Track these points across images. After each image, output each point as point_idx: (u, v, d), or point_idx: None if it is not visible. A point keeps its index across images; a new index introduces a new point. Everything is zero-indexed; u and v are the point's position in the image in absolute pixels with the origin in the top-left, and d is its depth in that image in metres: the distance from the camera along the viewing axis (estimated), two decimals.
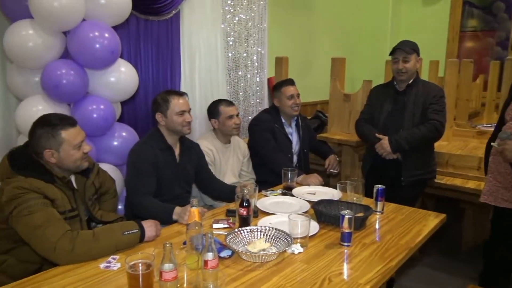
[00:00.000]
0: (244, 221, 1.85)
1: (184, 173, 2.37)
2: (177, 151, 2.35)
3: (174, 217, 2.03)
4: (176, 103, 2.26)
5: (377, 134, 2.67)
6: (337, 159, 3.23)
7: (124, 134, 2.60)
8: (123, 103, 2.73)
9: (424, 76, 4.19)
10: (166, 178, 2.25)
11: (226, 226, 1.93)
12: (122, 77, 2.47)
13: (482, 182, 2.76)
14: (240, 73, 3.72)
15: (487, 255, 2.31)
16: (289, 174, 2.41)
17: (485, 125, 4.03)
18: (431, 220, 2.04)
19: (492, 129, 3.53)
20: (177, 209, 2.03)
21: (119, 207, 2.51)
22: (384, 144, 2.61)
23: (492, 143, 2.01)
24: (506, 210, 2.05)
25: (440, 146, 3.05)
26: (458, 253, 3.42)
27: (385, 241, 1.80)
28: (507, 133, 1.91)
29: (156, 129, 2.32)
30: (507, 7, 5.78)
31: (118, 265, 1.57)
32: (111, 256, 1.63)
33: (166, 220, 2.02)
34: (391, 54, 2.68)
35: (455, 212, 3.55)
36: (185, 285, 1.38)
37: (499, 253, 2.23)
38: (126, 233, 1.68)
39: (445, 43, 5.50)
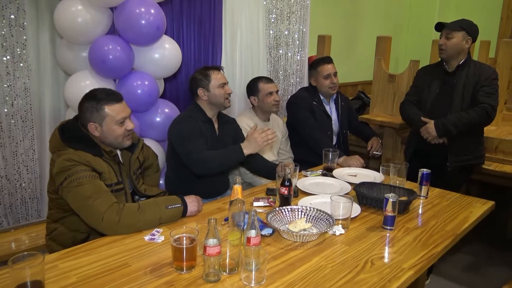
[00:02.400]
0: (285, 201, 1.85)
1: (223, 145, 2.39)
2: (216, 124, 2.41)
3: (246, 151, 2.12)
4: (216, 77, 2.32)
5: (423, 118, 2.57)
6: (380, 141, 3.15)
7: (166, 110, 2.64)
8: (165, 80, 2.75)
9: (474, 56, 4.00)
10: (208, 149, 2.28)
11: (266, 204, 1.94)
12: (166, 53, 2.49)
13: None
14: (280, 51, 3.67)
15: None
16: (330, 155, 2.38)
17: None
18: (479, 207, 1.97)
19: None
20: (244, 143, 2.14)
21: (160, 182, 2.57)
22: (429, 128, 2.52)
23: None
24: None
25: (489, 131, 2.91)
26: (502, 242, 3.30)
27: (429, 227, 1.75)
28: None
29: (195, 104, 2.36)
30: None
31: (162, 238, 1.61)
32: (155, 229, 1.67)
33: (238, 159, 2.16)
34: (436, 28, 2.59)
35: (501, 199, 3.41)
36: (227, 260, 1.40)
37: None
38: (169, 207, 1.72)
39: (498, 21, 5.19)
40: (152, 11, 2.31)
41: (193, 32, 2.97)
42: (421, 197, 2.05)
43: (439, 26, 2.57)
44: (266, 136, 2.09)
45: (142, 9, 2.27)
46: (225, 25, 3.13)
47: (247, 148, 2.12)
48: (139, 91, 2.39)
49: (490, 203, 2.02)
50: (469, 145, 2.59)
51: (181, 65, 2.68)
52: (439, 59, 2.67)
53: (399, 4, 5.36)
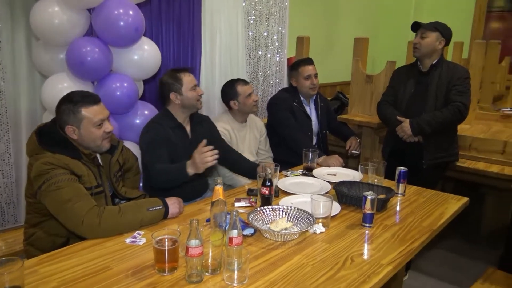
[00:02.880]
0: (266, 200, 1.87)
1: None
2: (188, 128, 2.38)
3: (189, 170, 2.03)
4: (187, 79, 2.28)
5: (398, 117, 2.63)
6: (358, 140, 3.21)
7: (146, 112, 2.63)
8: (145, 82, 2.74)
9: (448, 57, 4.11)
10: (180, 155, 2.26)
11: (247, 204, 1.95)
12: (145, 55, 2.48)
13: (505, 167, 2.73)
14: (260, 52, 3.69)
15: (509, 239, 2.29)
16: (310, 155, 2.41)
17: (509, 109, 3.94)
18: (453, 203, 2.03)
19: None
20: (189, 162, 2.04)
21: (140, 184, 2.55)
22: (404, 127, 2.58)
23: None
24: None
25: (462, 129, 3.00)
26: (476, 238, 3.40)
27: (407, 223, 1.80)
28: None
29: (165, 109, 2.33)
30: None
31: (143, 240, 1.61)
32: (136, 232, 1.67)
33: (182, 178, 2.07)
34: (412, 27, 2.66)
35: (474, 196, 3.52)
36: (209, 261, 1.40)
37: None
38: (150, 209, 1.72)
39: (470, 23, 5.35)
40: (131, 12, 2.29)
41: (172, 34, 2.96)
42: (399, 195, 2.10)
43: (415, 26, 2.64)
44: (205, 158, 1.98)
45: (121, 11, 2.26)
46: (204, 26, 3.13)
47: (190, 167, 2.03)
48: (118, 93, 2.37)
49: (465, 199, 2.08)
50: (443, 143, 2.66)
51: (161, 66, 2.67)
52: (414, 60, 2.74)
53: (376, 6, 5.46)
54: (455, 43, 4.36)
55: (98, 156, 1.90)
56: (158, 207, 1.74)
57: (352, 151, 3.13)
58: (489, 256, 3.02)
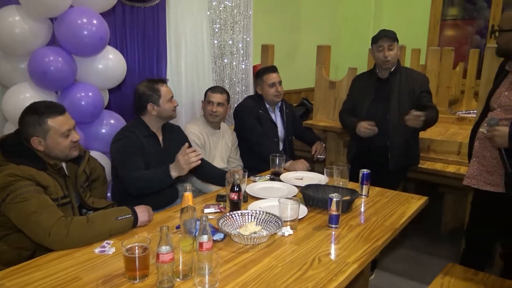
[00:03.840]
0: (235, 206, 1.90)
1: (170, 157, 2.38)
2: (160, 137, 2.40)
3: (173, 173, 2.06)
4: (165, 91, 2.33)
5: (368, 125, 2.68)
6: (323, 145, 3.30)
7: (112, 121, 2.61)
8: (110, 91, 2.72)
9: (406, 63, 4.29)
10: (153, 164, 2.28)
11: (217, 210, 1.98)
12: (110, 64, 2.47)
13: (461, 166, 2.88)
14: (225, 60, 3.73)
15: (468, 236, 2.42)
16: (277, 160, 2.46)
17: (464, 112, 4.15)
18: (414, 203, 2.13)
19: (471, 115, 3.67)
20: (172, 165, 2.07)
21: (108, 194, 2.52)
22: (421, 117, 2.50)
23: (481, 129, 2.08)
24: (487, 193, 2.14)
25: (421, 132, 3.14)
26: (437, 235, 3.56)
27: (371, 223, 1.88)
28: (496, 120, 1.98)
29: (138, 118, 2.34)
30: None
31: (113, 249, 1.61)
32: (105, 241, 1.66)
33: (166, 182, 2.10)
34: (374, 42, 2.71)
35: (434, 196, 3.68)
36: (180, 266, 1.42)
37: (479, 234, 2.33)
38: (119, 218, 1.71)
39: (426, 31, 5.60)
40: (95, 21, 2.29)
41: (137, 42, 2.96)
42: (363, 196, 2.18)
43: (382, 37, 2.67)
44: (189, 158, 2.01)
45: (84, 20, 2.25)
46: (169, 35, 3.15)
47: (174, 170, 2.06)
48: (83, 103, 2.35)
49: (424, 199, 2.19)
50: (407, 147, 2.77)
51: (126, 75, 2.66)
52: (372, 67, 2.85)
53: (337, 15, 5.63)
54: (413, 50, 4.56)
55: (64, 166, 1.88)
56: (127, 216, 1.74)
57: (318, 156, 3.21)
58: (449, 252, 3.17)
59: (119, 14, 2.81)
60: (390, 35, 2.66)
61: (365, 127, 2.67)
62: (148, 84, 2.34)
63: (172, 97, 2.37)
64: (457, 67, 5.22)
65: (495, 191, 2.09)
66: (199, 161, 2.05)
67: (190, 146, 2.55)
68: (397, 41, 2.70)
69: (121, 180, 2.20)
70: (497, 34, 2.02)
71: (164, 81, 2.40)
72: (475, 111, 3.12)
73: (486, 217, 2.26)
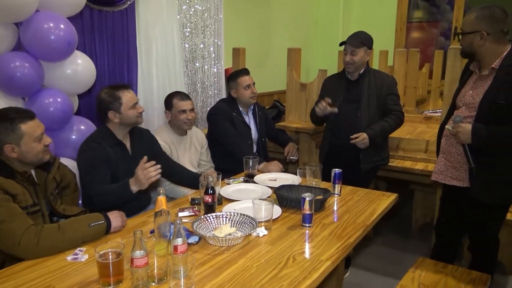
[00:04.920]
0: (209, 208, 1.91)
1: (139, 164, 2.37)
2: (128, 144, 2.34)
3: (133, 187, 2.01)
4: (127, 98, 2.23)
5: (328, 107, 2.73)
6: (296, 146, 3.34)
7: (82, 127, 2.57)
8: (80, 96, 2.68)
9: (375, 65, 4.40)
10: (121, 173, 2.23)
11: (191, 214, 1.98)
12: (79, 69, 2.43)
13: (429, 164, 2.97)
14: (197, 64, 3.73)
15: (438, 231, 2.50)
16: (251, 162, 2.48)
17: (431, 111, 4.29)
18: (384, 200, 2.19)
19: (437, 114, 3.80)
20: (131, 179, 2.02)
21: (79, 201, 2.48)
22: (365, 140, 2.67)
23: (447, 126, 2.16)
24: (454, 188, 2.22)
25: None
26: (409, 231, 3.65)
27: (343, 221, 1.92)
28: (460, 117, 2.07)
29: (104, 126, 2.28)
30: None
31: (86, 256, 1.58)
32: (78, 248, 1.64)
33: (127, 197, 2.04)
34: (340, 46, 2.81)
35: (405, 193, 3.78)
36: (155, 271, 1.42)
37: (447, 228, 2.42)
38: (92, 224, 1.69)
39: (393, 33, 5.75)
40: (62, 26, 2.25)
41: (107, 47, 2.93)
42: (335, 195, 2.23)
43: (346, 41, 2.76)
44: (148, 173, 1.96)
45: (51, 24, 2.21)
46: (139, 39, 3.12)
47: (133, 185, 2.00)
48: (51, 109, 2.31)
49: (394, 196, 2.25)
50: (379, 148, 2.84)
51: (96, 80, 2.63)
52: (343, 69, 2.91)
53: (307, 18, 5.71)
54: (381, 52, 4.67)
55: (34, 174, 1.84)
56: (100, 222, 1.72)
57: (290, 157, 3.25)
58: (420, 248, 3.26)
59: (87, 19, 2.77)
60: (353, 42, 2.73)
61: (322, 105, 2.73)
62: (108, 91, 2.25)
63: (136, 103, 2.27)
64: (423, 68, 5.38)
65: (460, 186, 2.18)
66: (159, 176, 2.01)
67: (161, 150, 2.55)
68: (367, 46, 2.76)
69: (89, 198, 2.17)
70: (460, 36, 2.10)
71: (127, 87, 2.29)
72: (441, 110, 3.23)
73: (453, 211, 2.35)
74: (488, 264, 2.29)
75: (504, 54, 2.01)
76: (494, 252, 2.33)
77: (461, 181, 2.17)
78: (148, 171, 1.97)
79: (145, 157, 2.02)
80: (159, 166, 2.01)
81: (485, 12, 2.01)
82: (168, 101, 2.82)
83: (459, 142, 2.09)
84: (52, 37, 2.20)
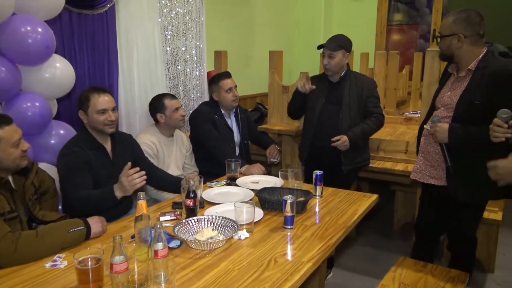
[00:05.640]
0: (191, 212, 1.90)
1: (120, 169, 2.33)
2: (108, 148, 2.30)
3: (118, 193, 1.99)
4: (97, 101, 2.17)
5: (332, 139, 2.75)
6: (278, 148, 3.35)
7: (61, 132, 2.53)
8: (59, 100, 2.64)
9: (356, 67, 4.45)
10: (102, 177, 2.20)
11: (173, 218, 1.97)
12: (58, 73, 2.40)
13: (409, 164, 3.02)
14: (179, 67, 3.72)
15: (417, 229, 2.54)
16: (233, 165, 2.48)
17: (411, 112, 4.36)
18: (365, 201, 2.21)
19: (417, 115, 3.86)
20: (116, 185, 1.99)
21: (59, 207, 2.44)
22: (345, 142, 2.72)
23: (425, 126, 2.21)
24: (433, 187, 2.26)
25: None
26: (391, 231, 3.70)
27: (325, 222, 1.93)
28: (438, 117, 2.13)
29: (84, 129, 2.26)
30: (428, 2, 6.24)
31: (65, 263, 1.56)
32: (57, 255, 1.61)
33: (111, 203, 2.01)
34: (318, 49, 2.84)
35: (387, 193, 3.83)
36: (135, 276, 1.40)
37: (426, 226, 2.46)
38: (71, 230, 1.67)
39: (374, 36, 5.82)
40: (40, 29, 2.22)
41: (86, 50, 2.89)
42: (317, 197, 2.24)
43: (324, 45, 2.80)
44: (133, 180, 1.95)
45: (28, 28, 2.18)
46: (120, 42, 3.10)
47: (118, 191, 1.98)
48: (29, 113, 2.27)
49: (374, 196, 2.28)
50: (359, 150, 2.88)
51: (75, 84, 2.60)
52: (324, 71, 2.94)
53: (289, 21, 5.74)
54: (362, 54, 4.74)
55: (11, 180, 1.81)
56: (79, 228, 1.70)
57: (271, 159, 3.26)
58: (402, 247, 3.30)
59: (66, 22, 2.74)
60: (330, 45, 2.76)
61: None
62: (86, 91, 2.23)
63: (106, 110, 2.18)
64: (403, 70, 5.47)
65: (438, 184, 2.22)
66: (144, 182, 1.99)
67: (143, 155, 2.54)
68: (345, 49, 2.79)
69: (70, 201, 2.14)
70: (438, 39, 2.14)
71: (102, 90, 2.23)
72: (420, 111, 3.28)
73: (432, 210, 2.39)
74: (467, 262, 2.34)
75: (480, 56, 2.06)
76: (472, 250, 2.38)
77: (439, 180, 2.21)
78: (132, 178, 1.95)
79: (129, 164, 1.99)
80: (143, 172, 1.99)
81: (462, 15, 2.06)
82: (159, 103, 2.79)
83: (437, 142, 2.13)
84: (30, 40, 2.17)
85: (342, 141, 2.70)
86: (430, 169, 2.25)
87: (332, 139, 2.71)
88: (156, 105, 2.81)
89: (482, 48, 2.08)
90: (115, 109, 2.27)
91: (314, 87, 2.83)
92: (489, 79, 1.98)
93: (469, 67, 2.07)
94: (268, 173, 2.78)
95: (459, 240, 2.36)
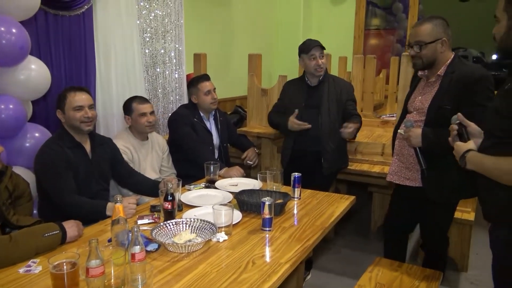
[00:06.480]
0: (169, 215, 1.89)
1: (99, 169, 2.34)
2: (87, 147, 2.32)
3: (108, 213, 2.03)
4: (73, 98, 2.21)
5: (298, 123, 2.78)
6: (257, 151, 3.36)
7: (37, 134, 2.49)
8: (34, 102, 2.59)
9: (334, 71, 4.51)
10: (81, 176, 2.22)
11: (151, 221, 1.96)
12: (33, 74, 2.36)
13: (385, 166, 3.07)
14: (158, 69, 3.70)
15: (386, 229, 2.61)
16: (212, 168, 2.48)
17: (388, 115, 4.44)
18: (342, 202, 2.25)
19: (394, 118, 3.93)
20: (110, 205, 2.04)
21: (34, 211, 2.40)
22: (352, 129, 2.70)
23: (399, 130, 2.26)
24: (406, 188, 2.32)
25: None
26: (368, 232, 3.75)
27: (302, 224, 1.95)
28: (411, 121, 2.18)
29: (62, 128, 2.27)
30: (405, 8, 6.38)
31: (39, 268, 1.54)
32: (31, 260, 1.58)
33: (99, 217, 2.03)
34: (306, 51, 2.82)
35: (365, 195, 3.90)
36: (112, 280, 1.39)
37: (394, 226, 2.52)
38: (46, 235, 1.64)
39: (352, 40, 5.91)
40: (14, 30, 2.18)
41: (63, 52, 2.85)
42: (295, 199, 2.26)
43: (315, 46, 2.80)
44: (129, 210, 2.01)
45: (2, 29, 2.14)
46: (98, 44, 3.07)
47: (110, 211, 2.03)
48: (3, 116, 2.23)
49: (351, 198, 2.31)
50: (339, 152, 2.92)
51: (51, 86, 2.55)
52: (302, 74, 2.97)
53: (268, 24, 5.78)
54: (340, 58, 4.80)
55: None
56: (55, 232, 1.67)
57: (247, 161, 3.26)
58: (379, 248, 3.34)
59: (42, 23, 2.69)
60: (320, 44, 2.80)
61: (297, 123, 2.78)
62: (63, 90, 2.27)
63: (82, 107, 2.21)
64: (380, 74, 5.57)
65: (413, 186, 2.28)
66: (133, 211, 2.05)
67: (122, 159, 2.53)
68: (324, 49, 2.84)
69: (58, 202, 2.12)
70: (420, 48, 2.11)
71: (79, 88, 2.27)
72: (396, 114, 3.35)
73: (403, 211, 2.44)
74: (440, 260, 2.40)
75: (449, 61, 2.12)
76: (444, 249, 2.44)
77: (413, 181, 2.27)
78: (129, 207, 2.01)
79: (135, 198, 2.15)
80: (134, 206, 2.06)
81: (438, 20, 2.11)
82: (128, 106, 2.79)
83: (411, 146, 2.18)
84: (3, 41, 2.13)
85: (349, 127, 2.69)
86: (405, 171, 2.30)
87: (343, 125, 2.72)
88: (126, 106, 2.81)
89: (451, 53, 2.14)
90: (93, 107, 2.29)
91: (309, 126, 2.80)
92: (456, 84, 2.04)
93: (438, 73, 2.12)
94: (248, 175, 2.79)
95: (432, 239, 2.42)
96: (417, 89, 2.29)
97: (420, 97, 2.22)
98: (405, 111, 2.37)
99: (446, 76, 2.10)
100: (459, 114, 1.70)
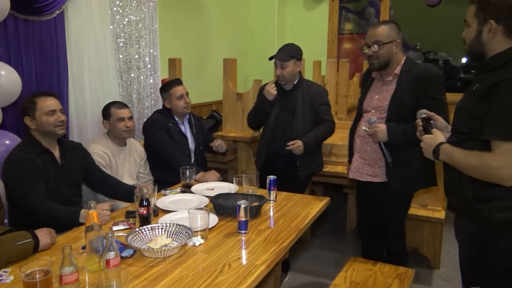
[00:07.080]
0: (145, 220, 1.89)
1: (69, 175, 2.31)
2: (56, 153, 2.29)
3: (82, 220, 2.01)
4: (44, 103, 2.20)
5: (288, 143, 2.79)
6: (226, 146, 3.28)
7: (7, 142, 2.43)
8: (4, 109, 2.54)
9: (308, 74, 4.58)
10: (51, 182, 2.19)
11: (126, 227, 1.94)
12: (3, 80, 2.31)
13: None
14: (132, 75, 3.67)
15: (360, 230, 2.68)
16: (187, 172, 2.48)
17: None
18: (317, 204, 2.29)
19: None
20: (84, 212, 2.02)
21: (5, 220, 2.34)
22: (300, 147, 2.77)
23: (363, 128, 2.35)
24: (367, 184, 2.41)
25: None
26: (344, 233, 3.82)
27: (278, 226, 1.98)
28: (375, 119, 2.27)
29: (29, 134, 2.24)
30: (376, 13, 6.53)
31: (11, 277, 1.51)
32: (2, 270, 1.55)
33: (73, 223, 2.02)
34: (270, 60, 2.89)
35: (340, 197, 3.96)
36: (86, 287, 1.38)
37: (367, 224, 2.59)
38: (18, 243, 1.62)
39: (325, 44, 6.00)
40: None
41: (34, 58, 2.81)
42: (271, 201, 2.29)
43: (276, 55, 2.86)
44: (104, 217, 2.00)
45: None
46: (70, 49, 3.03)
47: (83, 218, 2.02)
48: None
49: (326, 199, 2.36)
50: (314, 155, 2.96)
51: (22, 92, 2.51)
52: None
53: (244, 28, 5.82)
54: (314, 62, 4.87)
55: None
56: (27, 240, 1.65)
57: (220, 150, 3.19)
58: (355, 248, 3.41)
59: (11, 28, 2.64)
60: (281, 56, 2.82)
61: (272, 87, 2.84)
62: (29, 97, 2.24)
63: (55, 111, 2.21)
64: (354, 77, 5.67)
65: (376, 181, 2.35)
66: (108, 217, 2.04)
67: (94, 163, 2.50)
68: (296, 58, 2.86)
69: (25, 208, 2.09)
70: (376, 47, 2.24)
71: (47, 93, 2.26)
72: None
73: (369, 206, 2.52)
74: (400, 254, 2.48)
75: (402, 62, 2.29)
76: (401, 242, 2.52)
77: (376, 177, 2.37)
78: (103, 214, 2.00)
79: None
80: (108, 213, 2.05)
81: (392, 24, 2.29)
82: (106, 111, 2.79)
83: (376, 141, 2.27)
84: None
85: (297, 145, 2.77)
86: (367, 167, 2.39)
87: (287, 143, 2.77)
88: (104, 111, 2.80)
89: (403, 54, 2.32)
90: (63, 111, 2.29)
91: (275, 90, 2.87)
92: (414, 81, 2.21)
93: (395, 72, 2.28)
94: (224, 179, 2.80)
95: (392, 231, 2.48)
96: (372, 89, 2.42)
97: (377, 96, 2.34)
98: (359, 112, 2.48)
99: (402, 74, 2.26)
100: (425, 110, 1.82)
